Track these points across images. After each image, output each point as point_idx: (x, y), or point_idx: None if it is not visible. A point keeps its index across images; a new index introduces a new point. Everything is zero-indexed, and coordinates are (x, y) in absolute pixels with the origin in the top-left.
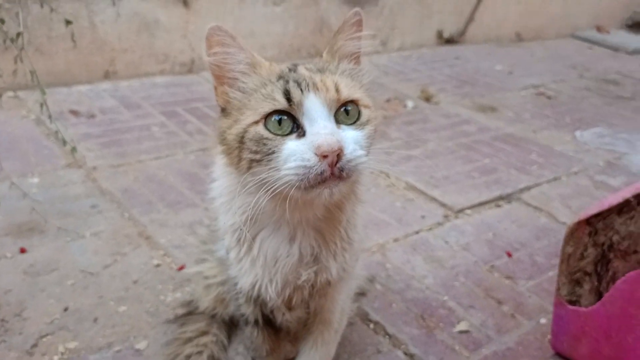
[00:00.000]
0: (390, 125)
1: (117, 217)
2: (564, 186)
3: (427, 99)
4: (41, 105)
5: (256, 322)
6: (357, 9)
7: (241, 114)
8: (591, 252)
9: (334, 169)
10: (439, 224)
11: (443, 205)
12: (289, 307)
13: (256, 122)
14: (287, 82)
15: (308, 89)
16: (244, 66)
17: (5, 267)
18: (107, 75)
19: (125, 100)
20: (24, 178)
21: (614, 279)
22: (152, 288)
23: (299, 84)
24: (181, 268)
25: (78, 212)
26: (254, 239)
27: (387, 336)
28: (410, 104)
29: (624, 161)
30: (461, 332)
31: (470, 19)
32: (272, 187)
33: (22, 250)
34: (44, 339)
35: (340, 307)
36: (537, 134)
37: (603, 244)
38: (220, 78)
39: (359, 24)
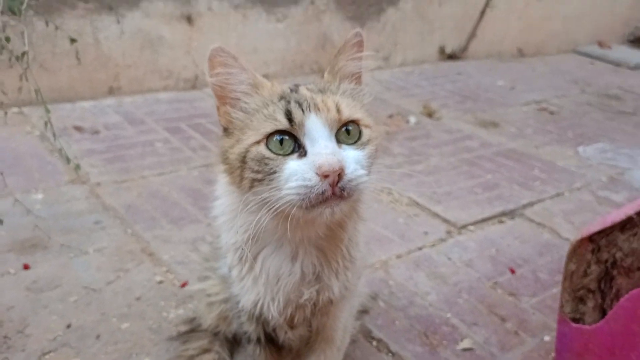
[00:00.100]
0: (392, 140)
1: (121, 233)
2: (567, 202)
3: (430, 114)
4: (45, 123)
5: (258, 340)
6: (358, 29)
7: (243, 133)
8: (594, 270)
9: (335, 188)
10: (442, 240)
11: (446, 221)
12: (291, 326)
13: (258, 142)
14: (289, 102)
15: (309, 109)
16: (246, 87)
17: (9, 283)
18: (111, 91)
19: (129, 116)
20: (27, 194)
21: (617, 296)
22: (154, 305)
23: (300, 105)
24: (184, 285)
25: (81, 228)
26: (256, 257)
27: (390, 354)
28: (412, 119)
29: (627, 177)
30: (464, 349)
31: (472, 35)
32: (273, 207)
33: (26, 267)
34: (47, 356)
35: (343, 325)
36: (539, 150)
37: (606, 261)
38: (223, 98)
39: (360, 45)
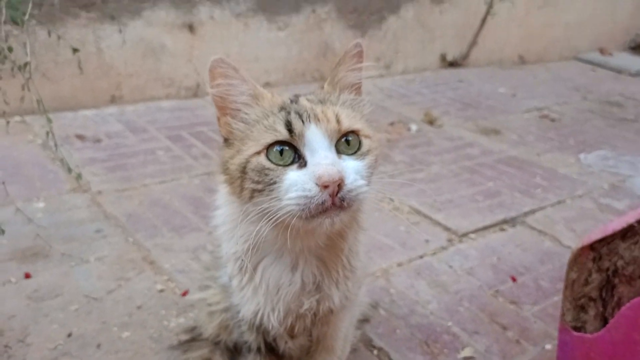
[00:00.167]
0: (394, 148)
1: (122, 242)
2: (569, 209)
3: (431, 122)
4: (47, 132)
5: (259, 349)
6: (358, 40)
7: (243, 144)
8: (595, 278)
9: (335, 198)
10: (443, 248)
11: (447, 229)
12: (292, 335)
13: (258, 153)
14: (289, 113)
15: (309, 120)
16: (246, 97)
17: (10, 292)
18: (113, 100)
19: (130, 125)
20: (29, 203)
21: (619, 305)
22: (155, 313)
23: (300, 115)
24: (185, 293)
25: (82, 237)
26: (256, 267)
27: None
28: (413, 127)
29: (628, 184)
30: (466, 358)
31: (473, 43)
32: (273, 217)
33: (27, 276)
34: None
35: (343, 335)
36: (540, 157)
37: (607, 269)
38: (223, 109)
39: (359, 55)
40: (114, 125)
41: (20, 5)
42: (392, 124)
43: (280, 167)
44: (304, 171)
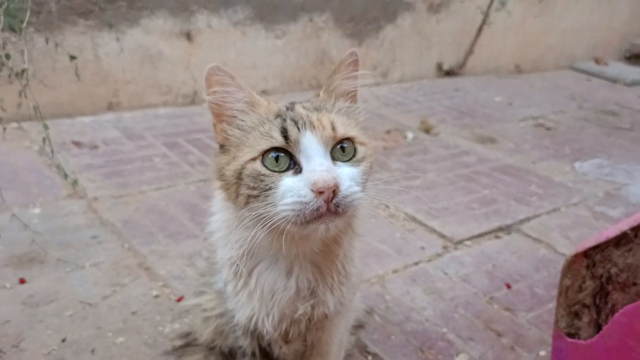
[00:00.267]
0: (390, 156)
1: (118, 248)
2: (564, 217)
3: (427, 130)
4: (44, 139)
5: (253, 354)
6: (353, 49)
7: (239, 150)
8: (589, 285)
9: (330, 204)
10: (439, 255)
11: (442, 236)
12: (286, 340)
13: (254, 159)
14: (285, 120)
15: (305, 127)
16: (242, 105)
17: (4, 297)
18: (110, 107)
19: (128, 131)
20: (25, 209)
21: (613, 312)
22: (150, 319)
23: (296, 122)
24: (180, 299)
25: (78, 243)
26: (251, 272)
27: None
28: (410, 135)
29: (623, 192)
30: None
31: (470, 52)
32: (269, 222)
33: (22, 281)
34: None
35: (338, 340)
36: (536, 165)
37: (601, 277)
38: (220, 116)
39: (355, 64)
40: (111, 131)
41: (18, 12)
42: (388, 131)
43: (275, 174)
44: (299, 177)
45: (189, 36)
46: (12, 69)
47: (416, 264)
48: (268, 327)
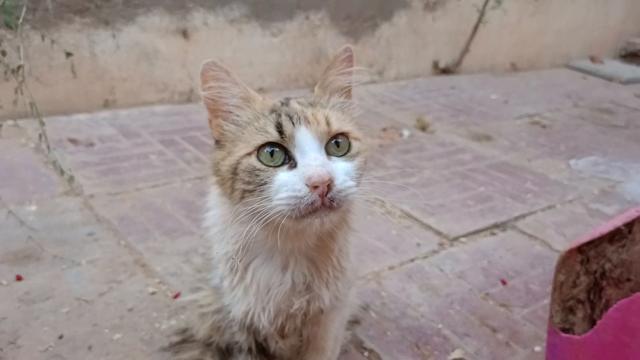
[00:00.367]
0: (386, 153)
1: (114, 245)
2: (559, 214)
3: (423, 127)
4: (40, 136)
5: (250, 350)
6: (347, 45)
7: (235, 146)
8: (583, 280)
9: (325, 199)
10: (434, 251)
11: (438, 233)
12: (282, 335)
13: (249, 154)
14: (280, 115)
15: (300, 122)
16: (238, 100)
17: (1, 294)
18: (106, 104)
19: (124, 129)
20: (21, 206)
21: (607, 307)
22: (147, 316)
23: (290, 118)
24: (176, 296)
25: (74, 240)
26: (246, 267)
27: None
28: (406, 132)
29: (618, 189)
30: None
31: (465, 50)
32: (264, 217)
33: (18, 278)
34: None
35: (334, 335)
36: (532, 163)
37: (595, 272)
38: (215, 111)
39: (349, 60)
40: (107, 129)
41: (14, 9)
42: (384, 129)
43: (270, 168)
44: (294, 172)
45: (185, 34)
46: (8, 66)
47: (412, 260)
48: (264, 322)
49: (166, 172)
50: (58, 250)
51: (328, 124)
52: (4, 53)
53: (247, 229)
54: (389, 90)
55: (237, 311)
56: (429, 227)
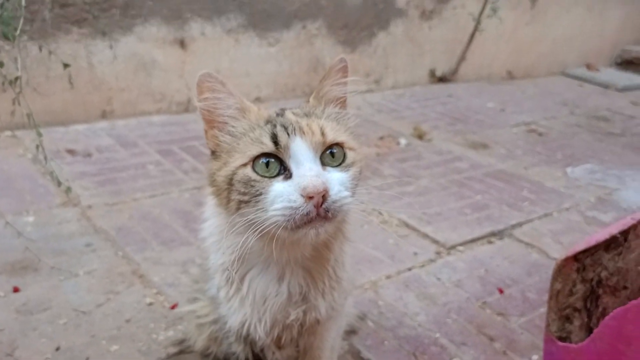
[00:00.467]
0: (383, 162)
1: (111, 256)
2: (556, 222)
3: (420, 136)
4: (37, 147)
5: None
6: (342, 56)
7: (230, 156)
8: (580, 288)
9: (320, 209)
10: (431, 260)
11: (435, 241)
12: (279, 346)
13: (244, 165)
14: (275, 126)
15: (295, 133)
16: (233, 111)
17: None
18: (104, 115)
19: (121, 139)
20: (19, 216)
21: (604, 315)
22: (144, 327)
23: (285, 128)
24: (174, 306)
25: (72, 251)
26: (243, 278)
27: None
28: (403, 141)
29: (615, 197)
30: None
31: (462, 58)
32: (259, 228)
33: (15, 289)
34: None
35: (330, 345)
36: (528, 171)
37: (592, 280)
38: (211, 122)
39: (344, 70)
40: (104, 139)
41: (11, 20)
42: (381, 138)
43: (266, 179)
44: (289, 182)
45: (182, 44)
46: (6, 77)
47: (409, 269)
48: (260, 333)
49: (164, 182)
50: (55, 261)
51: (323, 134)
52: (1, 64)
53: (243, 239)
54: (386, 99)
55: (234, 322)
56: (426, 236)
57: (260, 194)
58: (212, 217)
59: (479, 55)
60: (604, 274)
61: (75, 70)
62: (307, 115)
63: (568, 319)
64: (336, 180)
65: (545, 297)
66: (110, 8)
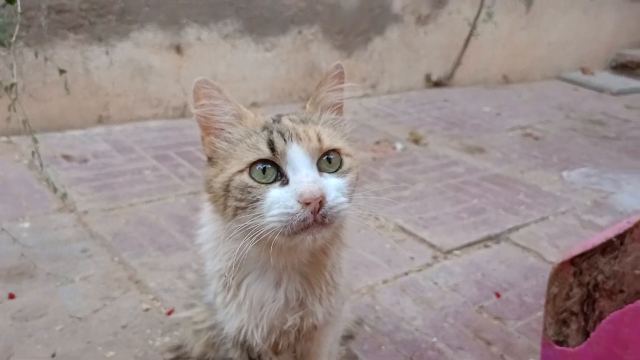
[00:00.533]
0: (379, 167)
1: (107, 261)
2: (552, 226)
3: (416, 140)
4: (33, 153)
5: None
6: (338, 62)
7: (227, 163)
8: (577, 292)
9: (317, 215)
10: (428, 265)
11: (432, 246)
12: (276, 352)
13: (241, 171)
14: (271, 132)
15: (291, 139)
16: (230, 117)
17: None
18: (100, 120)
19: (118, 145)
20: (14, 222)
21: (600, 319)
22: (141, 333)
23: (282, 135)
24: (170, 312)
25: (68, 257)
26: (239, 284)
27: None
28: (399, 146)
29: (610, 200)
30: None
31: (458, 63)
32: (256, 234)
33: (11, 296)
34: None
35: (327, 351)
36: (524, 175)
37: (588, 284)
38: (207, 129)
39: (340, 77)
40: (101, 145)
41: (7, 27)
42: (378, 142)
43: (262, 185)
44: (286, 189)
45: (178, 49)
46: (2, 83)
47: (406, 274)
48: (257, 339)
49: (160, 188)
50: (52, 266)
51: (319, 140)
52: None
53: (239, 245)
54: (382, 103)
55: (231, 328)
56: (422, 241)
57: (257, 200)
58: (208, 224)
59: (475, 59)
60: (600, 277)
61: (71, 76)
62: (303, 121)
63: (565, 322)
64: (333, 186)
65: (542, 300)
66: (107, 14)
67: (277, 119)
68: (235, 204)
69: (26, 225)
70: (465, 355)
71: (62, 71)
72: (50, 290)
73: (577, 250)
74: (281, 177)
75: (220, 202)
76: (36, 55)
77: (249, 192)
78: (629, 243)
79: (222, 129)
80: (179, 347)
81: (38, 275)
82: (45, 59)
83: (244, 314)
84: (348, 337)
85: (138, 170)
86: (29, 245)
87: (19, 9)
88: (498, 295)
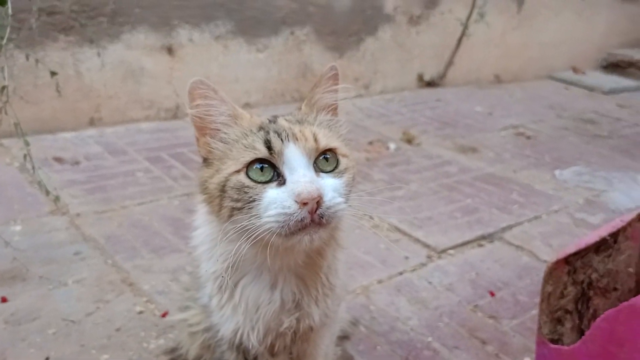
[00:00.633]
0: (373, 167)
1: (101, 264)
2: (545, 225)
3: (409, 140)
4: (24, 156)
5: None
6: (333, 64)
7: (223, 163)
8: (571, 291)
9: (314, 215)
10: (423, 264)
11: (426, 245)
12: (272, 354)
13: (238, 171)
14: (268, 132)
15: (288, 139)
16: (225, 118)
17: None
18: (92, 122)
19: (110, 147)
20: (6, 225)
21: (595, 317)
22: (135, 335)
23: (279, 134)
24: (164, 315)
25: (61, 259)
26: (235, 286)
27: None
28: (392, 146)
29: (603, 198)
30: None
31: (450, 63)
32: (253, 235)
33: (3, 300)
34: None
35: (324, 352)
36: (517, 174)
37: (582, 282)
38: (203, 129)
39: (335, 78)
40: (93, 147)
41: None
42: (371, 142)
43: (259, 185)
44: (283, 189)
45: (170, 51)
46: None
47: (400, 274)
48: (253, 341)
49: (153, 190)
50: (44, 270)
51: (316, 140)
52: None
53: (235, 247)
54: (375, 104)
55: (226, 330)
56: (417, 240)
57: (254, 201)
58: (203, 225)
59: (467, 59)
60: (594, 276)
61: (63, 78)
62: (299, 122)
63: (559, 321)
64: (330, 186)
65: (537, 299)
66: (98, 16)
67: (273, 120)
68: (231, 204)
69: (18, 228)
70: (461, 355)
71: (53, 73)
72: (43, 293)
73: (571, 249)
74: (278, 177)
75: (215, 203)
76: (27, 57)
77: (245, 192)
78: (623, 241)
79: (218, 130)
80: (174, 350)
81: (31, 279)
82: (37, 61)
83: (240, 316)
84: (343, 337)
85: (130, 172)
86: (21, 248)
87: (9, 11)
88: (492, 294)
